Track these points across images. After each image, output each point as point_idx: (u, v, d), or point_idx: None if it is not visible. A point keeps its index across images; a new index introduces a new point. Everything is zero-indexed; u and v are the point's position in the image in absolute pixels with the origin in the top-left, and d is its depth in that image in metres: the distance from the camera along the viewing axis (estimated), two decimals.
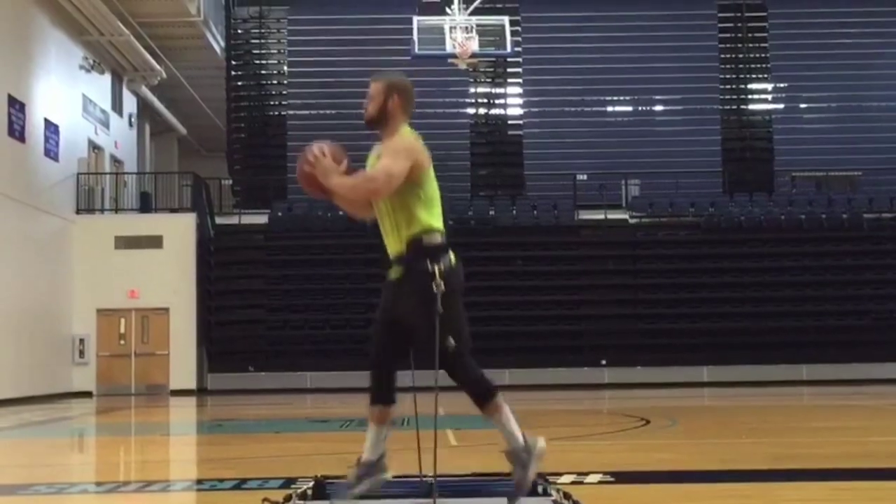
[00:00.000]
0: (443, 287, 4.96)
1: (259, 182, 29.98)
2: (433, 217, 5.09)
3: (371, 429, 5.18)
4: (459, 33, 21.35)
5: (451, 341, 4.94)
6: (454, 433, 9.55)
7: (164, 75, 29.49)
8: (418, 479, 5.30)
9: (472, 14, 21.90)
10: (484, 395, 5.09)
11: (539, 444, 5.10)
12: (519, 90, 31.32)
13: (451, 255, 5.13)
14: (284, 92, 31.43)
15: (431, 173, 5.14)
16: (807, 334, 25.31)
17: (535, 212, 28.09)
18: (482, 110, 31.42)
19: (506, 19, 22.51)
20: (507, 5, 28.81)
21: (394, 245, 5.12)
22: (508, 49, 22.67)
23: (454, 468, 5.14)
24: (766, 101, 31.61)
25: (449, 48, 21.52)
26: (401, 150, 5.01)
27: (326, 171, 5.01)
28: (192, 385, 25.18)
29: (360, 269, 25.71)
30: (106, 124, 27.81)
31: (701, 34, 31.07)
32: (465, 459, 5.38)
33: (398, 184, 4.95)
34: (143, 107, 31.15)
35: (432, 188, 5.12)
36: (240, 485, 6.66)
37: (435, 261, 5.01)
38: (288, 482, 6.43)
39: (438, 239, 5.08)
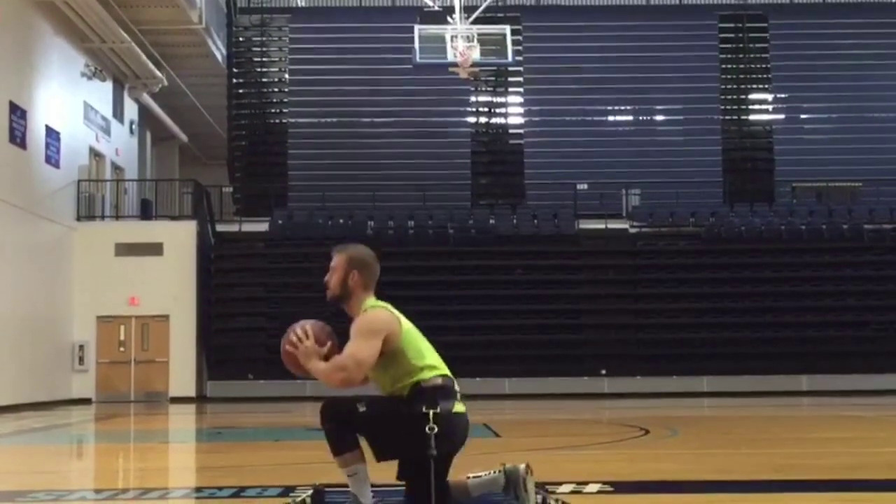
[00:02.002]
0: (436, 429, 4.87)
1: (260, 190, 30.00)
2: (429, 369, 5.01)
3: (351, 478, 5.04)
4: (461, 42, 21.37)
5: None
6: None
7: (166, 83, 29.52)
8: None
9: (473, 23, 21.94)
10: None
11: (520, 469, 5.14)
12: (520, 99, 31.35)
13: (457, 404, 5.02)
14: (286, 100, 31.47)
15: (409, 330, 5.05)
16: (807, 345, 25.28)
17: (536, 221, 28.10)
18: (483, 119, 31.45)
19: (507, 28, 22.54)
20: (508, 14, 28.88)
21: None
22: (510, 58, 22.70)
23: (453, 477, 5.12)
24: (766, 111, 31.64)
25: (450, 57, 21.53)
26: (366, 331, 4.95)
27: (307, 353, 4.99)
28: (192, 392, 25.17)
29: None
30: (107, 131, 27.83)
31: (702, 44, 31.11)
32: (467, 469, 5.37)
33: (370, 366, 4.92)
34: (145, 114, 31.18)
35: (415, 344, 5.03)
36: (238, 493, 6.64)
37: (431, 405, 4.92)
38: (287, 490, 6.42)
39: (439, 381, 5.00)
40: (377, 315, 5.03)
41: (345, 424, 4.97)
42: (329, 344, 5.04)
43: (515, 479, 5.12)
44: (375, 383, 5.09)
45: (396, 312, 5.08)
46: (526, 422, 16.43)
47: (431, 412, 4.88)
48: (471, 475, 5.18)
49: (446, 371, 5.07)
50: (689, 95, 30.74)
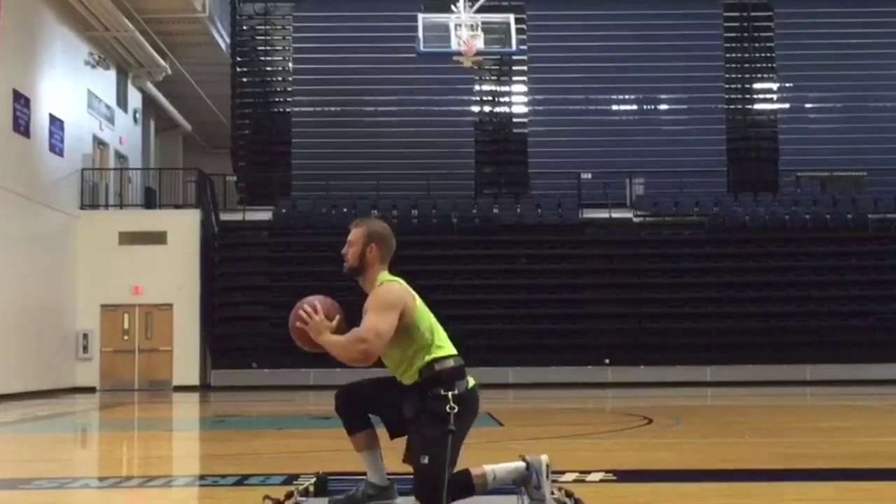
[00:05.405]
0: (456, 409, 4.91)
1: (263, 178, 29.99)
2: (440, 347, 5.04)
3: (362, 455, 5.17)
4: (465, 31, 21.30)
5: (426, 459, 4.86)
6: None
7: (170, 71, 29.49)
8: None
9: (477, 12, 21.85)
10: (470, 491, 5.03)
11: (542, 459, 5.11)
12: (524, 88, 31.31)
13: (469, 380, 5.08)
14: (289, 89, 31.44)
15: (421, 307, 5.06)
16: (811, 334, 25.26)
17: (540, 210, 28.06)
18: (487, 108, 31.41)
19: (511, 17, 22.46)
20: (512, 3, 28.79)
21: (408, 380, 5.07)
22: (514, 47, 22.61)
23: (459, 466, 5.11)
24: (771, 100, 31.58)
25: (454, 46, 21.46)
26: (384, 304, 4.95)
27: (318, 328, 5.00)
28: (196, 381, 25.19)
29: None
30: (111, 120, 27.82)
31: (706, 33, 31.06)
32: (470, 458, 5.37)
33: (388, 339, 4.91)
34: (148, 103, 31.17)
35: (427, 321, 5.05)
36: (241, 481, 6.66)
37: (449, 388, 4.96)
38: (290, 479, 6.43)
39: (451, 363, 5.03)
40: (394, 289, 5.05)
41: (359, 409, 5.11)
42: (338, 318, 5.05)
43: (538, 467, 5.08)
44: (386, 359, 5.09)
45: (409, 288, 5.10)
46: (529, 411, 16.44)
47: (451, 394, 4.92)
48: (488, 466, 5.15)
49: (454, 350, 5.09)
50: (693, 85, 30.68)
